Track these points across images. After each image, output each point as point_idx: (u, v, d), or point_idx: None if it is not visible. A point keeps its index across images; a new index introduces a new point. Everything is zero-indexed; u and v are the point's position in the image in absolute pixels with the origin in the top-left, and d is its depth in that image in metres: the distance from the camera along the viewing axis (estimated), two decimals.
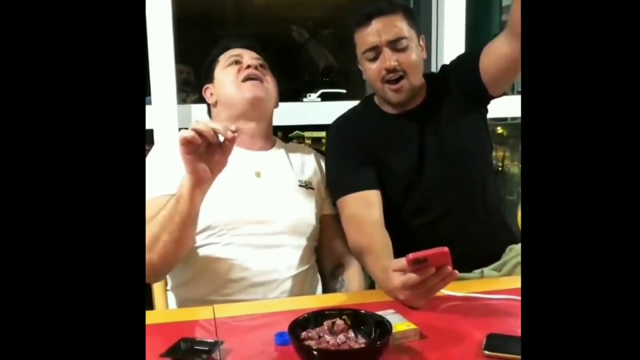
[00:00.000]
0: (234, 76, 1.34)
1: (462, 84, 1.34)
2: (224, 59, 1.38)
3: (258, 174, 1.30)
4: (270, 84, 1.37)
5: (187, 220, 1.07)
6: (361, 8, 1.31)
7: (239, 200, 1.25)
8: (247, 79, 1.33)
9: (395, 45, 1.27)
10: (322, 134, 2.48)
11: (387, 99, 1.34)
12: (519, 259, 1.32)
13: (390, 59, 1.27)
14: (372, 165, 1.33)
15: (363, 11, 1.29)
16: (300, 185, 1.34)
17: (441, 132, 1.35)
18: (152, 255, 1.08)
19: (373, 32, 1.27)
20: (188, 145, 0.99)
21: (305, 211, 1.32)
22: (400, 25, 1.28)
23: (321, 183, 1.40)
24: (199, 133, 0.99)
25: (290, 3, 2.89)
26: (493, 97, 1.35)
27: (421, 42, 1.34)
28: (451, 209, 1.35)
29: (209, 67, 1.41)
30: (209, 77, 1.40)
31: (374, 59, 1.29)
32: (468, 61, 1.33)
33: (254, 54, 1.39)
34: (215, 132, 1.01)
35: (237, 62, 1.36)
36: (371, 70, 1.31)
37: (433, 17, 1.99)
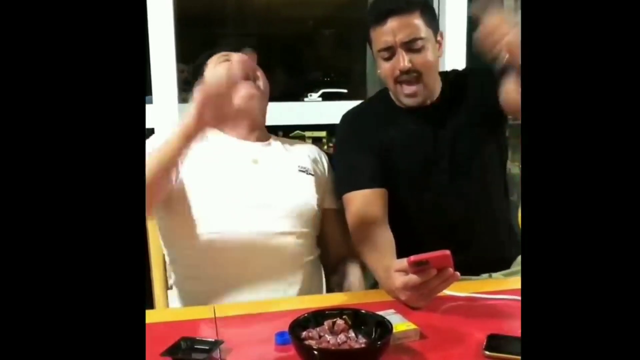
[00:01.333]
0: (224, 72, 1.28)
1: (482, 98, 1.30)
2: (214, 59, 1.36)
3: (255, 161, 1.30)
4: (261, 81, 1.36)
5: (166, 165, 1.06)
6: (378, 4, 1.28)
7: (237, 186, 1.25)
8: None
9: (410, 45, 1.24)
10: (323, 133, 2.48)
11: (400, 101, 1.33)
12: None
13: (404, 60, 1.24)
14: (380, 162, 1.32)
15: (380, 8, 1.26)
16: (300, 170, 1.34)
17: (455, 134, 1.32)
18: None
19: (388, 32, 1.24)
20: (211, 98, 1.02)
21: (306, 195, 1.31)
22: (417, 25, 1.24)
23: (321, 173, 1.39)
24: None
25: (292, 2, 2.89)
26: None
27: (439, 38, 1.30)
28: (459, 212, 1.33)
29: (198, 72, 1.37)
30: (200, 78, 1.35)
31: (389, 59, 1.27)
32: (491, 81, 1.24)
33: (243, 56, 1.36)
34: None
35: (226, 60, 1.34)
36: (385, 69, 1.28)
37: None
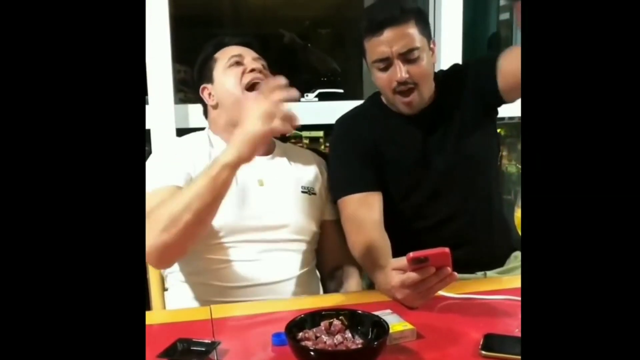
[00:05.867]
0: (237, 80, 1.30)
1: (476, 88, 1.31)
2: (224, 59, 1.34)
3: (261, 182, 1.29)
4: None
5: (219, 199, 1.06)
6: (372, 14, 1.27)
7: (243, 207, 1.25)
8: (251, 84, 1.29)
9: (406, 56, 1.24)
10: (320, 133, 2.48)
11: (397, 109, 1.33)
12: None
13: (401, 71, 1.24)
14: (375, 166, 1.32)
15: (375, 18, 1.25)
16: (302, 192, 1.33)
17: (448, 135, 1.33)
18: (167, 236, 1.05)
19: (384, 43, 1.23)
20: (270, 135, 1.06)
21: (307, 217, 1.31)
22: (412, 35, 1.23)
23: (322, 188, 1.39)
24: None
25: (288, 2, 2.88)
26: (506, 103, 1.32)
27: (432, 46, 1.31)
28: (454, 213, 1.34)
29: (206, 66, 1.37)
30: (207, 77, 1.35)
31: (385, 69, 1.26)
32: (486, 65, 1.29)
33: (254, 54, 1.36)
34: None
35: (238, 64, 1.32)
36: (382, 79, 1.28)
37: (430, 16, 1.99)
